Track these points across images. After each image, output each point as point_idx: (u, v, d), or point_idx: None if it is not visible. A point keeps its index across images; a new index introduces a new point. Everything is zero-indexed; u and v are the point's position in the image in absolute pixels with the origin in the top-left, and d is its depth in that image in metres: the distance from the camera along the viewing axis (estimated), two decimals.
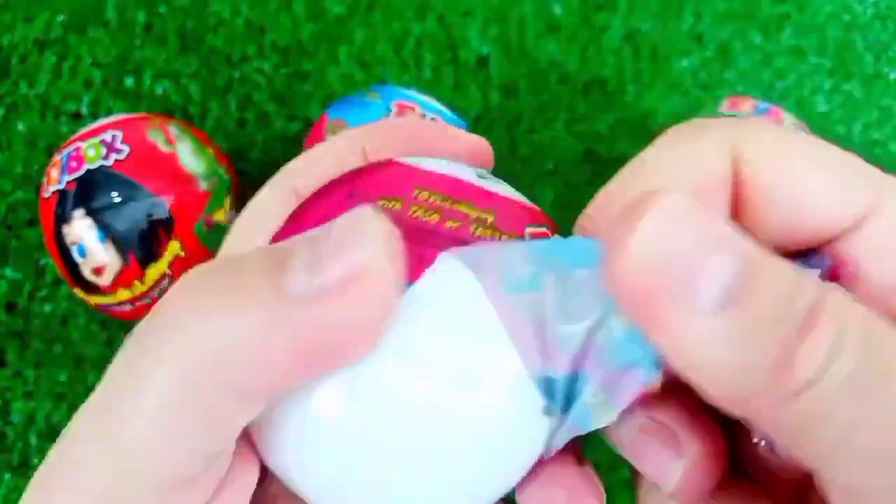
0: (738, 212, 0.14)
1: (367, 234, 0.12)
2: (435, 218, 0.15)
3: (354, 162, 0.17)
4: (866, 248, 0.13)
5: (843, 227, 0.13)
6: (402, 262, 0.12)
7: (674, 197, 0.11)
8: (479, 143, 0.17)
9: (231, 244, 0.16)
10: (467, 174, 0.16)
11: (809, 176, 0.13)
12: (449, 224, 0.15)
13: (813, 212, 0.13)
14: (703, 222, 0.11)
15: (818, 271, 0.13)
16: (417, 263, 0.14)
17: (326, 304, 0.12)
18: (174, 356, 0.12)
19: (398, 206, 0.15)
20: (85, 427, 0.14)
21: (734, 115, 0.30)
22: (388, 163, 0.16)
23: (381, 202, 0.15)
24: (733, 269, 0.11)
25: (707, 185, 0.14)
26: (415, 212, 0.15)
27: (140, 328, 0.13)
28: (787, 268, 0.11)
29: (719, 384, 0.11)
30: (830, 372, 0.10)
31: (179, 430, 0.13)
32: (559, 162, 0.36)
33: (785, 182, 0.13)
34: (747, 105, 0.30)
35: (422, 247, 0.14)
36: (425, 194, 0.15)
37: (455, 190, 0.16)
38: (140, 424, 0.13)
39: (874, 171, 0.14)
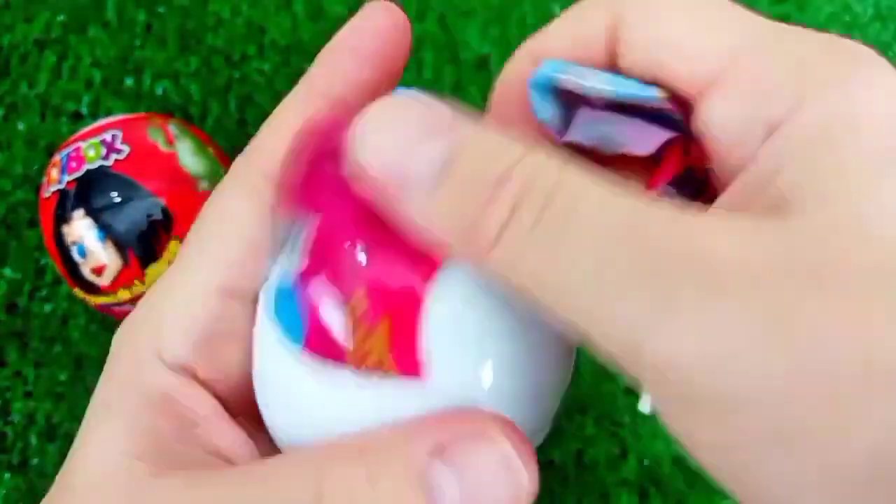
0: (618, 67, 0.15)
1: (507, 465, 0.13)
2: None
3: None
4: (719, 97, 0.14)
5: (705, 80, 0.14)
6: None
7: (398, 94, 0.13)
8: None
9: (191, 252, 0.17)
10: None
11: (673, 28, 0.14)
12: None
13: (677, 65, 0.14)
14: (417, 111, 0.13)
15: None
16: None
17: None
18: None
19: None
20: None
21: None
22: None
23: None
24: (441, 149, 0.13)
25: (584, 39, 0.15)
26: None
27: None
28: (490, 140, 0.13)
29: (451, 249, 0.13)
30: (510, 228, 0.12)
31: None
32: None
33: (650, 35, 0.14)
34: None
35: None
36: None
37: None
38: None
39: (737, 15, 0.14)
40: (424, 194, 0.13)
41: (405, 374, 0.14)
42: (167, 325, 0.16)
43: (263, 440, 0.16)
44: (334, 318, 0.14)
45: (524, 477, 0.13)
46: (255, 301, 0.16)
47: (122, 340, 0.17)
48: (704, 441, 0.12)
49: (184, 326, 0.16)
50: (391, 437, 0.14)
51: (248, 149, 0.17)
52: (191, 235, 0.17)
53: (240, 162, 0.17)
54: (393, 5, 0.17)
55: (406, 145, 0.13)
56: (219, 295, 0.16)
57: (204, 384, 0.16)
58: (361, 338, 0.14)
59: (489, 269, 0.13)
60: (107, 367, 0.16)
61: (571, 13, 0.16)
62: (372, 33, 0.17)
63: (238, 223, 0.16)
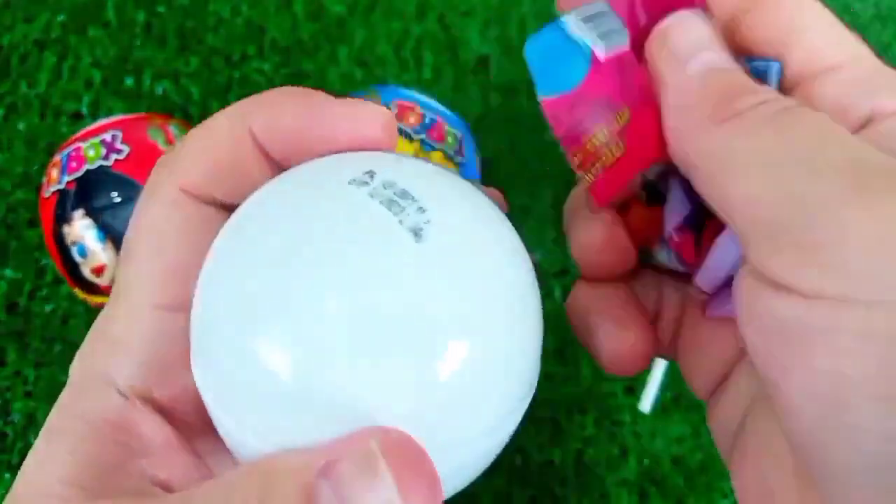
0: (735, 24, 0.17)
1: (381, 485, 0.13)
2: None
3: (243, 147, 0.17)
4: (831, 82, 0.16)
5: (822, 67, 0.16)
6: None
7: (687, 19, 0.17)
8: (376, 117, 0.18)
9: (128, 273, 0.17)
10: None
11: (808, 19, 0.17)
12: None
13: (803, 48, 0.16)
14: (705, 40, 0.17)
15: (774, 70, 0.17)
16: None
17: None
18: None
19: None
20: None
21: None
22: None
23: None
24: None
25: None
26: None
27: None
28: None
29: (677, 116, 0.16)
30: (756, 110, 0.15)
31: None
32: (559, 162, 0.36)
33: (787, 16, 0.17)
34: None
35: None
36: None
37: None
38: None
39: (855, 37, 0.17)
40: (689, 71, 0.16)
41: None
42: (115, 348, 0.16)
43: (224, 462, 0.16)
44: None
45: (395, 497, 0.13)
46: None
47: (75, 367, 0.17)
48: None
49: (131, 349, 0.16)
50: (293, 457, 0.14)
51: (164, 159, 0.18)
52: (123, 255, 0.17)
53: (158, 175, 0.17)
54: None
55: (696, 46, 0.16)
56: (161, 312, 0.16)
57: (162, 406, 0.16)
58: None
59: (716, 137, 0.15)
60: (59, 396, 0.16)
61: None
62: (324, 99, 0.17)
63: (164, 240, 0.16)
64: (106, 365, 0.16)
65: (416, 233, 0.14)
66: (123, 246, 0.17)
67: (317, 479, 0.13)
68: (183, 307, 0.16)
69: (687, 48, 0.16)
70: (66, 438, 0.15)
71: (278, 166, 0.17)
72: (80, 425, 0.15)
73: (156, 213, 0.17)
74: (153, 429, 0.16)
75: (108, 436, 0.15)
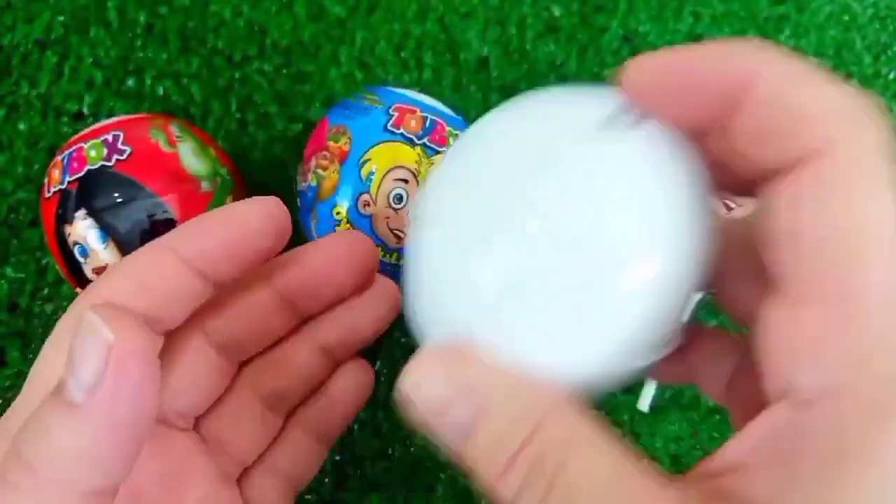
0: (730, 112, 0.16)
1: (96, 331, 0.16)
2: None
3: (167, 267, 0.20)
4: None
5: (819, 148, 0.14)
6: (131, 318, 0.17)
7: (435, 346, 0.17)
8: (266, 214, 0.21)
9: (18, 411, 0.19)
10: None
11: (806, 96, 0.15)
12: None
13: (801, 132, 0.14)
14: (444, 373, 0.16)
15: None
16: None
17: (101, 392, 0.16)
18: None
19: None
20: None
21: None
22: None
23: None
24: (467, 413, 0.15)
25: (711, 78, 0.15)
26: None
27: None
28: (506, 410, 0.15)
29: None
30: (522, 499, 0.15)
31: None
32: None
33: (788, 98, 0.15)
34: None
35: None
36: None
37: None
38: None
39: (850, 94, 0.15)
40: (458, 439, 0.16)
41: None
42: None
43: None
44: None
45: (109, 334, 0.16)
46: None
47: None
48: None
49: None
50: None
51: (90, 286, 0.20)
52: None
53: (81, 296, 0.20)
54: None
55: (440, 407, 0.16)
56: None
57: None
58: None
59: None
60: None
61: (713, 49, 0.16)
62: (246, 220, 0.20)
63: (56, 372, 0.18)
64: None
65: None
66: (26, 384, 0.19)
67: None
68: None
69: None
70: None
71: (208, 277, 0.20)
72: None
73: (67, 320, 0.20)
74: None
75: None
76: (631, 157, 0.16)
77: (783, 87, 0.14)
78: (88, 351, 0.16)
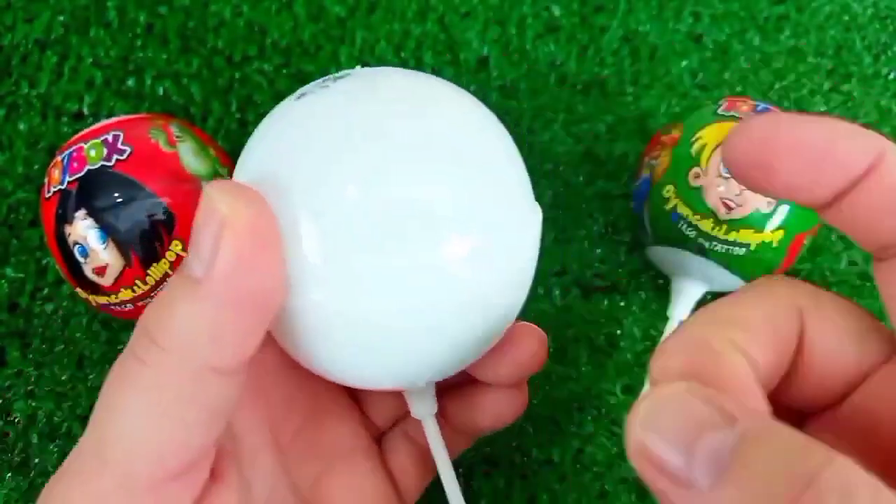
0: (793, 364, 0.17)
1: (215, 209, 0.17)
2: None
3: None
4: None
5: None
6: (257, 199, 0.17)
7: (668, 386, 0.13)
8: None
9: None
10: None
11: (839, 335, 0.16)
12: None
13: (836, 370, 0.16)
14: (692, 403, 0.13)
15: None
16: None
17: (218, 268, 0.16)
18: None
19: None
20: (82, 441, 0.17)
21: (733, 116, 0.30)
22: None
23: None
24: (723, 443, 0.12)
25: (779, 340, 0.16)
26: None
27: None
28: (786, 435, 0.12)
29: None
30: None
31: (172, 423, 0.16)
32: (558, 162, 0.37)
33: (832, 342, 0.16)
34: (746, 106, 0.30)
35: None
36: None
37: None
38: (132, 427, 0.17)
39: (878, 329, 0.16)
40: (703, 493, 0.12)
41: None
42: None
43: None
44: None
45: (226, 213, 0.17)
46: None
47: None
48: None
49: None
50: None
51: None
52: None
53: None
54: None
55: (686, 446, 0.12)
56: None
57: None
58: None
59: None
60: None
61: (758, 298, 0.17)
62: None
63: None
64: None
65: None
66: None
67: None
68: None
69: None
70: None
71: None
72: None
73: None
74: None
75: None
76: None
77: None
78: (205, 225, 0.16)
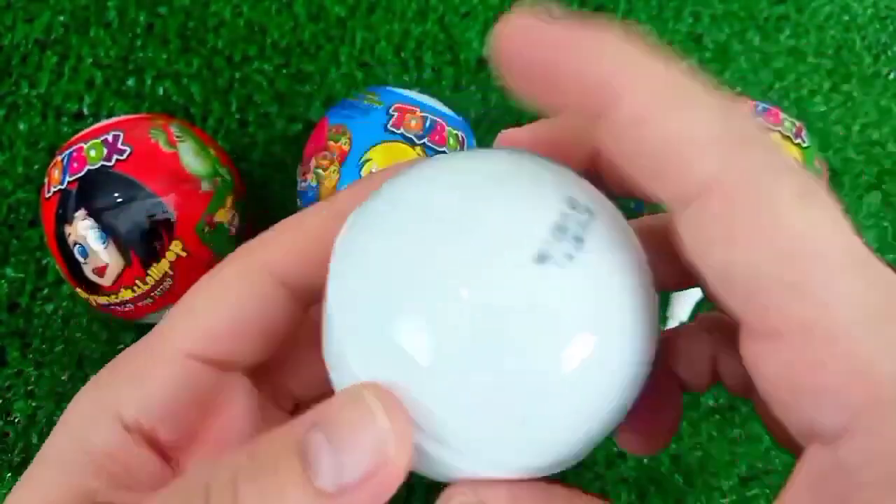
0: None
1: (374, 422, 0.13)
2: None
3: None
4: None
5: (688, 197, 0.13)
6: (408, 437, 0.14)
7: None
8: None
9: (175, 317, 0.17)
10: None
11: (673, 130, 0.14)
12: None
13: (669, 174, 0.13)
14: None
15: None
16: None
17: (353, 494, 0.13)
18: None
19: None
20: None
21: None
22: None
23: None
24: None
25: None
26: None
27: None
28: None
29: None
30: None
31: None
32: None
33: (653, 135, 0.14)
34: (746, 106, 0.30)
35: None
36: None
37: None
38: None
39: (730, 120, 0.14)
40: None
41: None
42: (135, 382, 0.17)
43: None
44: None
45: (389, 438, 0.13)
46: (232, 371, 0.17)
47: (87, 391, 0.17)
48: None
49: (152, 387, 0.16)
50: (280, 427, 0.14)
51: (254, 240, 0.18)
52: (180, 302, 0.17)
53: (244, 248, 0.18)
54: None
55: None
56: (193, 363, 0.16)
57: (161, 448, 0.17)
58: None
59: None
60: (63, 415, 0.17)
61: (584, 39, 0.15)
62: None
63: (230, 300, 0.17)
64: (119, 395, 0.16)
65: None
66: (186, 293, 0.17)
67: (307, 432, 0.13)
68: (217, 364, 0.17)
69: None
70: (58, 464, 0.16)
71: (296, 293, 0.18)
72: (76, 453, 0.16)
73: (230, 275, 0.17)
74: (147, 468, 0.16)
75: (101, 467, 0.16)
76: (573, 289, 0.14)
77: (653, 114, 0.14)
78: (359, 437, 0.13)
